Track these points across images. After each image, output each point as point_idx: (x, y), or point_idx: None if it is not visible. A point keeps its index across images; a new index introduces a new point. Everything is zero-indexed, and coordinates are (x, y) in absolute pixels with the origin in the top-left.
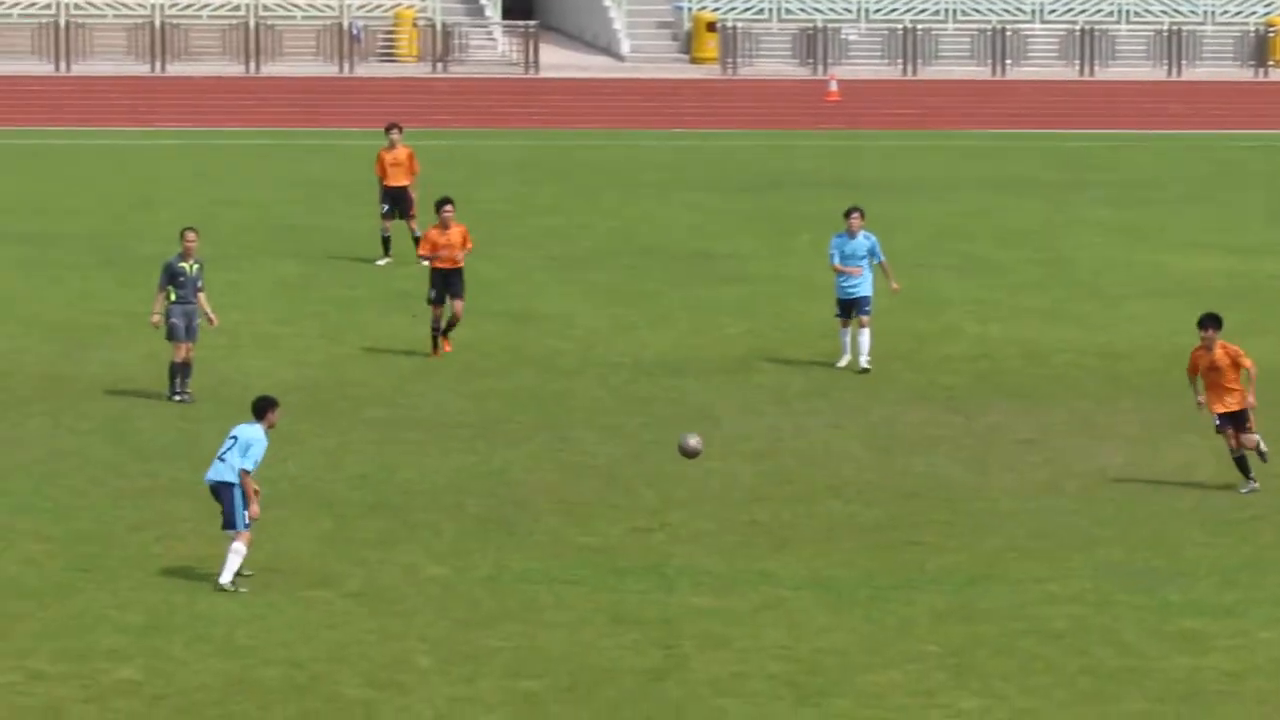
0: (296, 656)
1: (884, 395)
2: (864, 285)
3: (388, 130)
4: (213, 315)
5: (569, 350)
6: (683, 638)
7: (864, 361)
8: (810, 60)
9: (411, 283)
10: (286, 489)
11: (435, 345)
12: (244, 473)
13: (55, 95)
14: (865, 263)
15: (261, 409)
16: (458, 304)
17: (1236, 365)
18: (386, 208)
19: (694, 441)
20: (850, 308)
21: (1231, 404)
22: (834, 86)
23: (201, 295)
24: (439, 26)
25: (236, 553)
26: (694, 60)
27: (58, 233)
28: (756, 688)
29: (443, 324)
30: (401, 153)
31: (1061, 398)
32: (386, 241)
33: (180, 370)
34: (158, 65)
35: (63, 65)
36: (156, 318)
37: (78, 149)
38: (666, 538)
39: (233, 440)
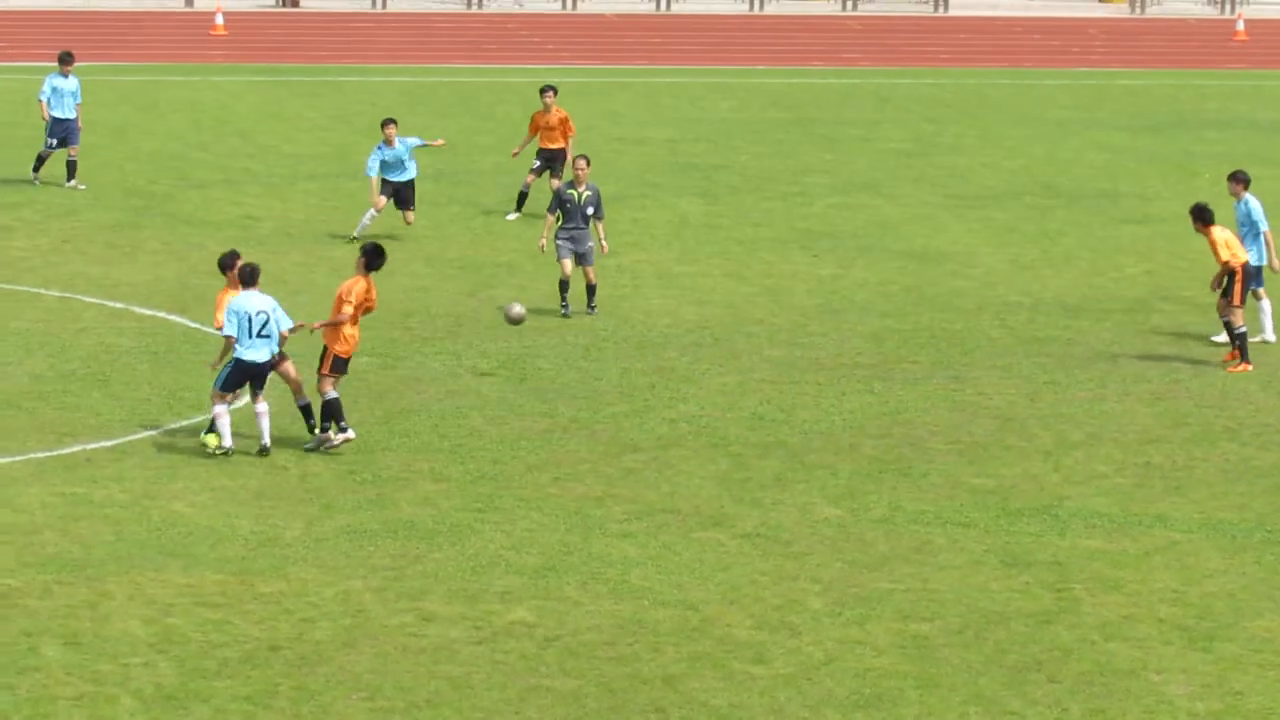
0: (689, 598)
1: None
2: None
3: (542, 93)
4: (605, 243)
5: (968, 290)
6: (1074, 581)
7: (1268, 335)
8: (1219, 0)
9: (812, 221)
10: (685, 429)
11: None
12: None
13: (466, 32)
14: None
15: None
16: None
17: None
18: (538, 164)
19: (518, 309)
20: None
21: None
22: (1241, 26)
23: (598, 224)
24: None
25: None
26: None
27: (464, 169)
28: (1146, 631)
29: None
30: (555, 116)
31: None
32: (522, 197)
33: (563, 286)
34: (569, 3)
35: (474, 3)
36: (544, 241)
37: (487, 86)
38: (1060, 479)
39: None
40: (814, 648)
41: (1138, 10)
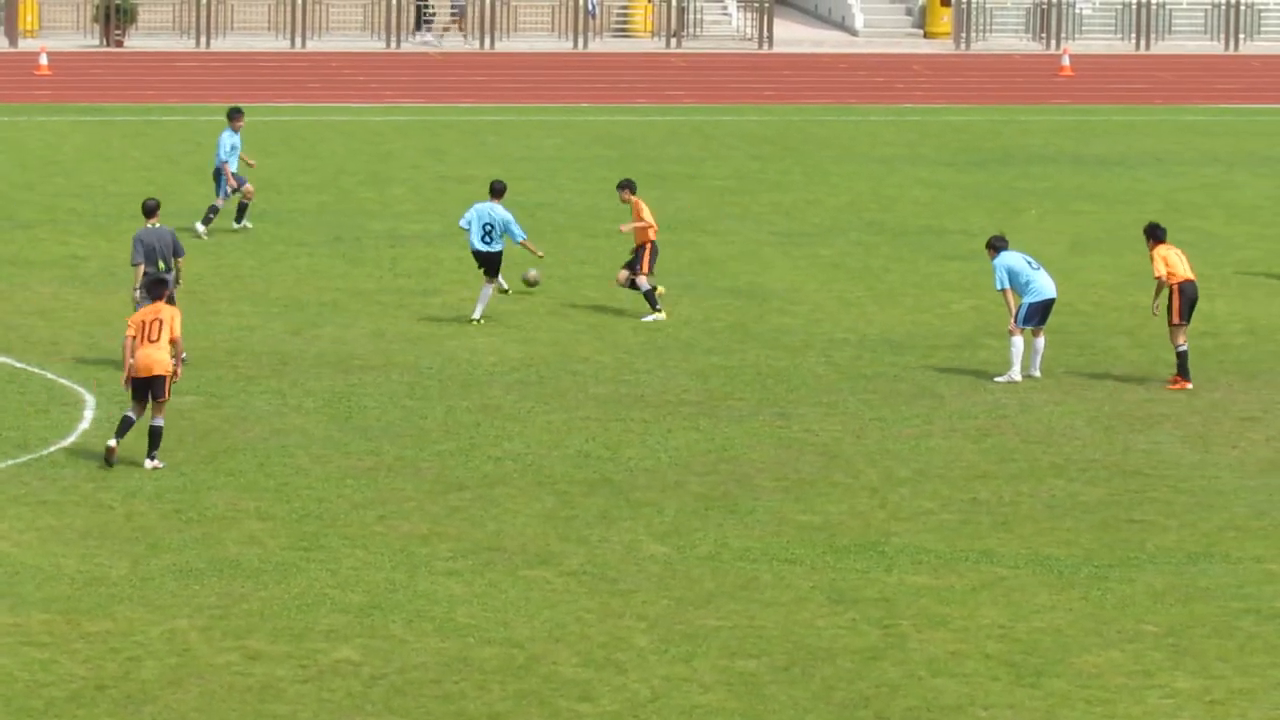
0: (515, 636)
1: (1108, 372)
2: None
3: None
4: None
5: (794, 327)
6: (900, 617)
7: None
8: (1044, 35)
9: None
10: (511, 467)
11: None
12: None
13: (290, 71)
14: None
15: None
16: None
17: None
18: None
19: (533, 273)
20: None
21: None
22: (1067, 61)
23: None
24: (674, 2)
25: None
26: (927, 35)
27: (288, 209)
28: (973, 667)
29: None
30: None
31: None
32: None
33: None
34: (392, 41)
35: (298, 41)
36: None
37: (310, 125)
38: (887, 515)
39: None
40: (640, 685)
41: (963, 46)
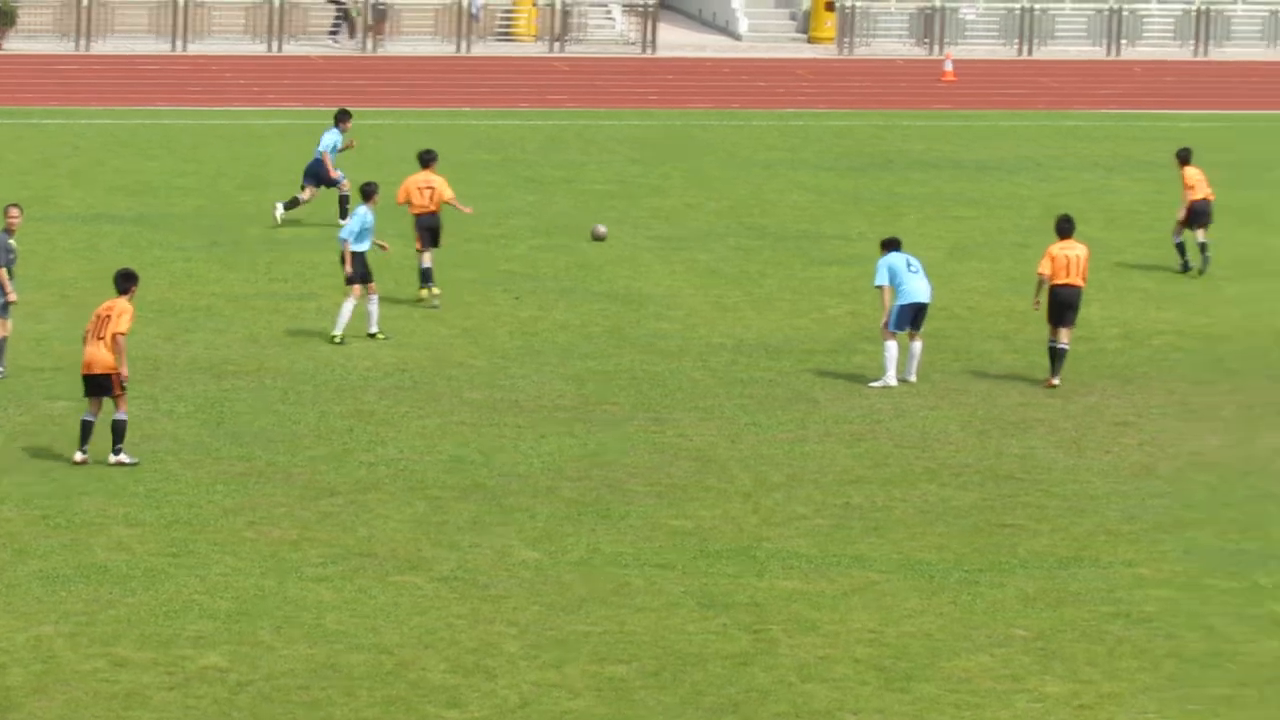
0: (384, 642)
1: (983, 377)
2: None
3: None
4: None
5: (671, 332)
6: (771, 622)
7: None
8: (927, 40)
9: (517, 264)
10: (384, 472)
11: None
12: None
13: (171, 74)
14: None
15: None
16: None
17: None
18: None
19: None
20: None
21: None
22: (949, 67)
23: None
24: (558, 5)
25: None
26: (811, 40)
27: (164, 213)
28: (843, 672)
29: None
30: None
31: (1159, 379)
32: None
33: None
34: (274, 45)
35: (179, 45)
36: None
37: (190, 129)
38: (759, 520)
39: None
40: (509, 691)
41: (846, 51)
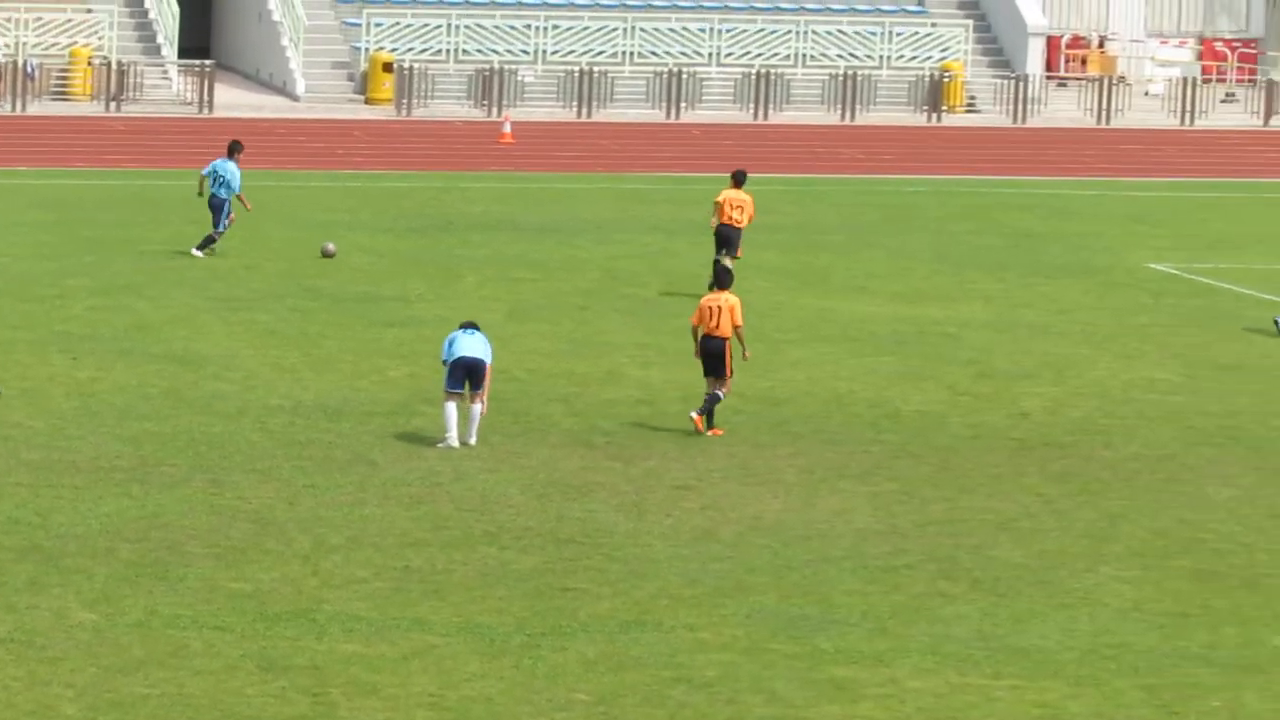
0: None
1: (544, 440)
2: None
3: None
4: None
5: (229, 393)
6: (331, 685)
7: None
8: (485, 102)
9: (74, 324)
10: None
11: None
12: None
13: None
14: None
15: None
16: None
17: None
18: None
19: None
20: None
21: None
22: (508, 128)
23: None
24: (114, 64)
25: None
26: (369, 101)
27: None
28: None
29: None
30: None
31: (720, 443)
32: None
33: None
34: None
35: None
36: None
37: None
38: (319, 583)
39: None
40: None
41: (404, 112)
